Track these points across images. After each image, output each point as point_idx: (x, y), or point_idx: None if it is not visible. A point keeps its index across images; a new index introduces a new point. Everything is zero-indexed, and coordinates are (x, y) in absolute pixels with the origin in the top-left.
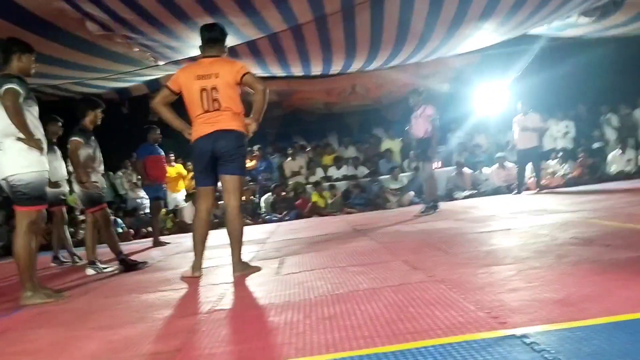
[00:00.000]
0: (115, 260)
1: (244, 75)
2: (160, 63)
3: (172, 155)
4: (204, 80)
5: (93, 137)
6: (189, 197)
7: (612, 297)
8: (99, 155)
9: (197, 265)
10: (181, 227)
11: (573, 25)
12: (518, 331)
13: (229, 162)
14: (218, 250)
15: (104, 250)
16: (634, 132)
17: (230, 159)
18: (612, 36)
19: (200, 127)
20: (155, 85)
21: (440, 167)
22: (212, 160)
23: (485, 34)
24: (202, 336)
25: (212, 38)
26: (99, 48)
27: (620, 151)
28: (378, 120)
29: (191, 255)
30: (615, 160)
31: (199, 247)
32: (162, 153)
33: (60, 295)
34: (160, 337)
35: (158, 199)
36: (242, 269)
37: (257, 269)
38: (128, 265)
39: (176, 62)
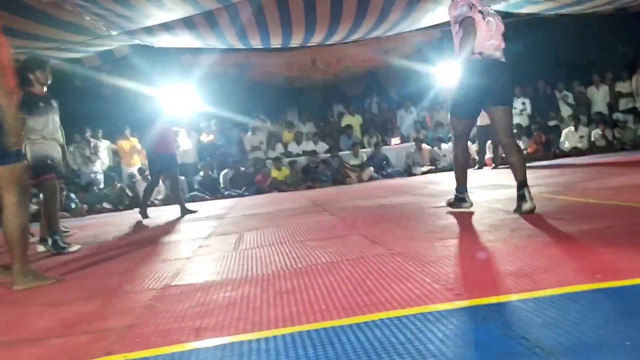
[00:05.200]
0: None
1: None
2: (114, 33)
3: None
4: None
5: (41, 104)
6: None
7: (564, 268)
8: (49, 122)
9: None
10: (137, 202)
11: (530, 2)
12: (472, 303)
13: None
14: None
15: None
16: (587, 109)
17: None
18: (567, 14)
19: None
20: (108, 56)
21: (400, 144)
22: None
23: (446, 8)
24: (156, 312)
25: None
26: (47, 16)
27: (574, 128)
28: (338, 96)
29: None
30: (569, 137)
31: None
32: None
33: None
34: (113, 314)
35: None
36: (24, 282)
37: (49, 280)
38: (59, 247)
39: (130, 33)
